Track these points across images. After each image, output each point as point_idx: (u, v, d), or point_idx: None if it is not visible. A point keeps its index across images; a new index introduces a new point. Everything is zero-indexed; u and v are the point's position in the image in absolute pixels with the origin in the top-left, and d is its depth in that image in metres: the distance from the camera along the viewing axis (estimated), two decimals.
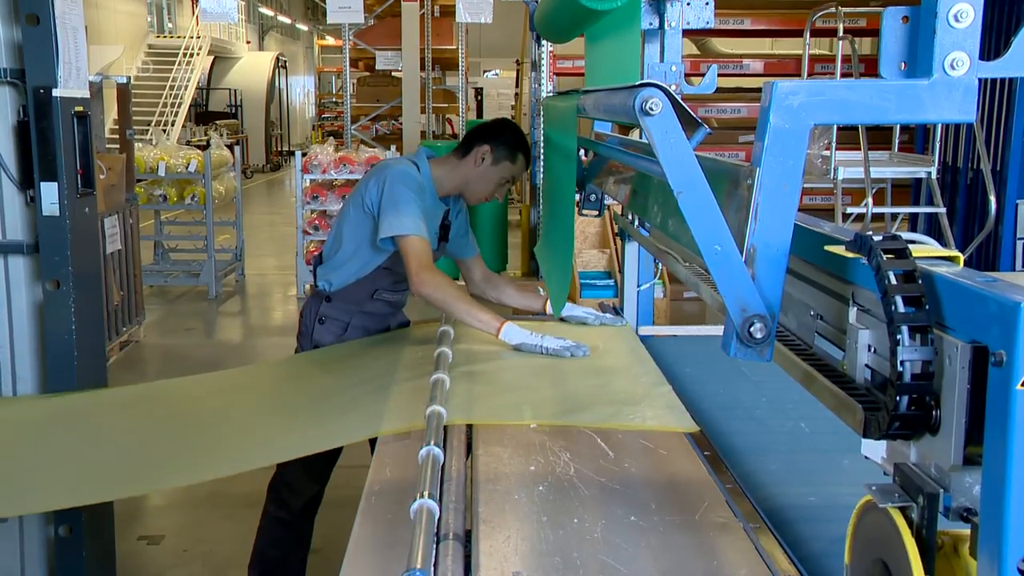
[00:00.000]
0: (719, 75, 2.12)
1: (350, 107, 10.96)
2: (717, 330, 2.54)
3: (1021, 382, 0.81)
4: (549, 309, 2.89)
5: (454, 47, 12.55)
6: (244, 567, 2.88)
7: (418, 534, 1.38)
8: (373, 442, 2.21)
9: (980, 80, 1.04)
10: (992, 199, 5.40)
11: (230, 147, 10.27)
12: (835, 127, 5.22)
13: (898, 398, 0.94)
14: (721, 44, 9.31)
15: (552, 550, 1.48)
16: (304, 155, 8.18)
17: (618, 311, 3.04)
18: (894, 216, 6.01)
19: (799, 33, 6.71)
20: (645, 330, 2.96)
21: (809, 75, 6.31)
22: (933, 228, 5.93)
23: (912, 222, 6.11)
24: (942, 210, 5.58)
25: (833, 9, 5.69)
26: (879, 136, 6.13)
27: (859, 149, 5.43)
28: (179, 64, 19.67)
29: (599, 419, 2.05)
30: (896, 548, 0.95)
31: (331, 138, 14.02)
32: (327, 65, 29.62)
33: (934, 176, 5.53)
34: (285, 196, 17.05)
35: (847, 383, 1.11)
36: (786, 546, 1.51)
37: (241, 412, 2.63)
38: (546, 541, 1.51)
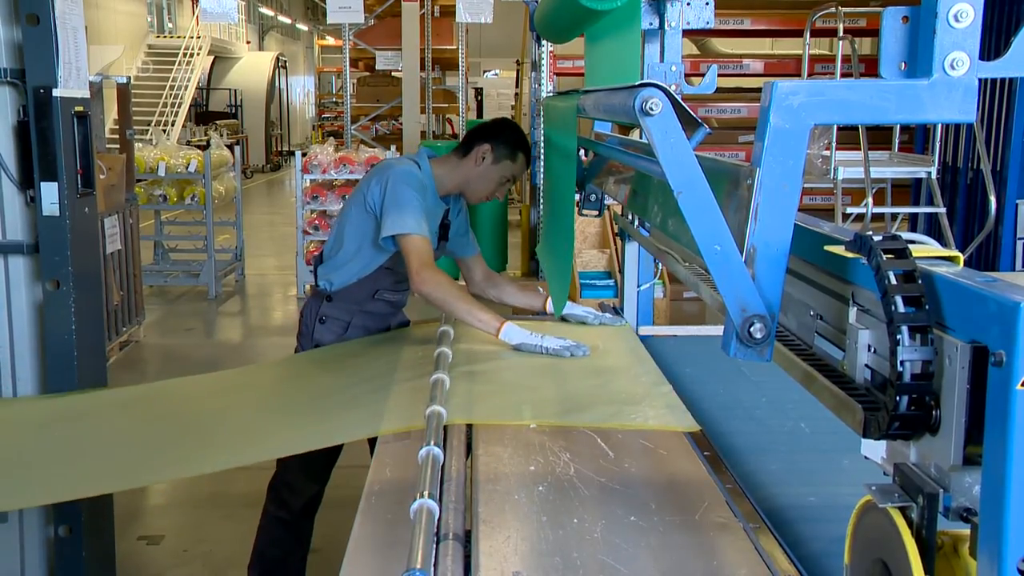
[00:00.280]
0: (719, 75, 2.12)
1: (350, 107, 10.97)
2: (717, 330, 2.54)
3: (1021, 382, 0.81)
4: (550, 308, 2.89)
5: (454, 47, 12.55)
6: (244, 567, 2.88)
7: (418, 534, 1.38)
8: (373, 442, 2.22)
9: (980, 80, 1.04)
10: (992, 199, 5.40)
11: (230, 147, 10.27)
12: (835, 127, 5.22)
13: (898, 398, 0.95)
14: (721, 44, 9.31)
15: (552, 550, 1.48)
16: (304, 155, 8.18)
17: (618, 311, 3.04)
18: (894, 216, 6.01)
19: (799, 33, 6.71)
20: (645, 330, 2.95)
21: (809, 75, 6.30)
22: (933, 228, 5.93)
23: (912, 222, 6.11)
24: (942, 210, 5.58)
25: (833, 9, 5.69)
26: (879, 136, 6.13)
27: (859, 149, 5.43)
28: (179, 64, 19.67)
29: (600, 419, 2.05)
30: (896, 548, 0.95)
31: (331, 138, 14.02)
32: (327, 65, 29.63)
33: (934, 176, 5.53)
34: (285, 196, 17.06)
35: (847, 383, 1.11)
36: (786, 546, 1.51)
37: (241, 410, 2.64)
38: (546, 541, 1.51)
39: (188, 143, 14.17)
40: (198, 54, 20.28)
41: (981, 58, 1.03)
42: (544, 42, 7.14)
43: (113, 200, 6.02)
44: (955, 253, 1.04)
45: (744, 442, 2.08)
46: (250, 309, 8.35)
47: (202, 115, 22.00)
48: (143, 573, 3.50)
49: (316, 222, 8.12)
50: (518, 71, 13.96)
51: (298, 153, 8.29)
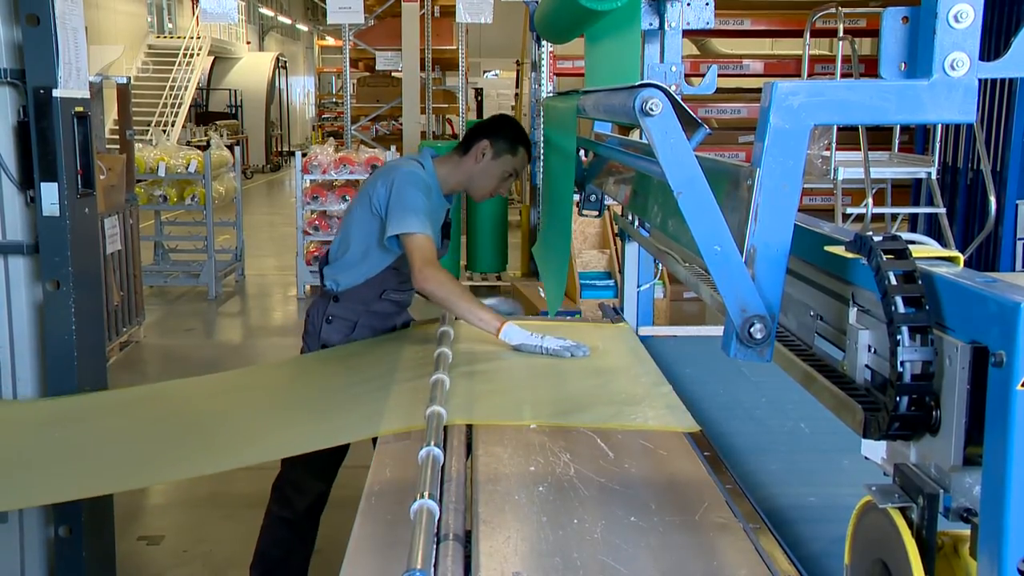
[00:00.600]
0: (719, 75, 2.12)
1: (350, 107, 10.96)
2: (717, 330, 2.53)
3: (1021, 382, 0.81)
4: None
5: (454, 47, 12.55)
6: (244, 567, 2.88)
7: (418, 534, 1.38)
8: (376, 442, 2.22)
9: (980, 80, 1.04)
10: (992, 199, 5.40)
11: (230, 147, 10.27)
12: (835, 127, 5.22)
13: (898, 398, 0.95)
14: (721, 44, 9.31)
15: (552, 550, 1.48)
16: (304, 155, 8.19)
17: (618, 311, 3.04)
18: (894, 216, 6.01)
19: (799, 34, 6.72)
20: (645, 330, 2.95)
21: (809, 75, 6.31)
22: (933, 228, 5.93)
23: (912, 222, 6.11)
24: (942, 210, 5.58)
25: (833, 10, 5.69)
26: (879, 136, 6.13)
27: (859, 149, 5.43)
28: (179, 64, 19.67)
29: (600, 419, 2.05)
30: (896, 549, 0.95)
31: (331, 138, 14.02)
32: (327, 65, 29.62)
33: (934, 176, 5.53)
34: (285, 196, 17.05)
35: (847, 383, 1.11)
36: (786, 546, 1.51)
37: (241, 410, 2.64)
38: (546, 541, 1.51)
39: (188, 143, 14.16)
40: (198, 54, 20.28)
41: (981, 58, 1.03)
42: (544, 42, 7.15)
43: (113, 200, 6.02)
44: (955, 253, 1.04)
45: (744, 442, 2.08)
46: (250, 309, 8.35)
47: (202, 115, 22.00)
48: (143, 573, 3.50)
49: (316, 222, 8.12)
50: (518, 71, 13.95)
51: (298, 153, 8.29)
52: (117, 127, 7.56)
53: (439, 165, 2.85)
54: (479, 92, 21.17)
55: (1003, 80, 5.65)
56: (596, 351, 2.56)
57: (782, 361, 1.26)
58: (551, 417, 2.07)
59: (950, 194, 6.29)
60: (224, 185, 8.79)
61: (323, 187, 8.11)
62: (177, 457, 2.34)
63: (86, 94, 2.82)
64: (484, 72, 23.93)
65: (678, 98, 1.21)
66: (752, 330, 1.13)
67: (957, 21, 1.01)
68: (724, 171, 1.26)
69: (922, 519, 0.94)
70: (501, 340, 2.53)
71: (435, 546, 1.41)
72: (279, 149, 24.77)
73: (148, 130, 16.31)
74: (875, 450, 1.07)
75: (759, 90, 1.12)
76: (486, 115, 19.06)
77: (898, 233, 1.02)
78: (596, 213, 2.86)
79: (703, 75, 2.02)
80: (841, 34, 5.63)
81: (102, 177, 5.60)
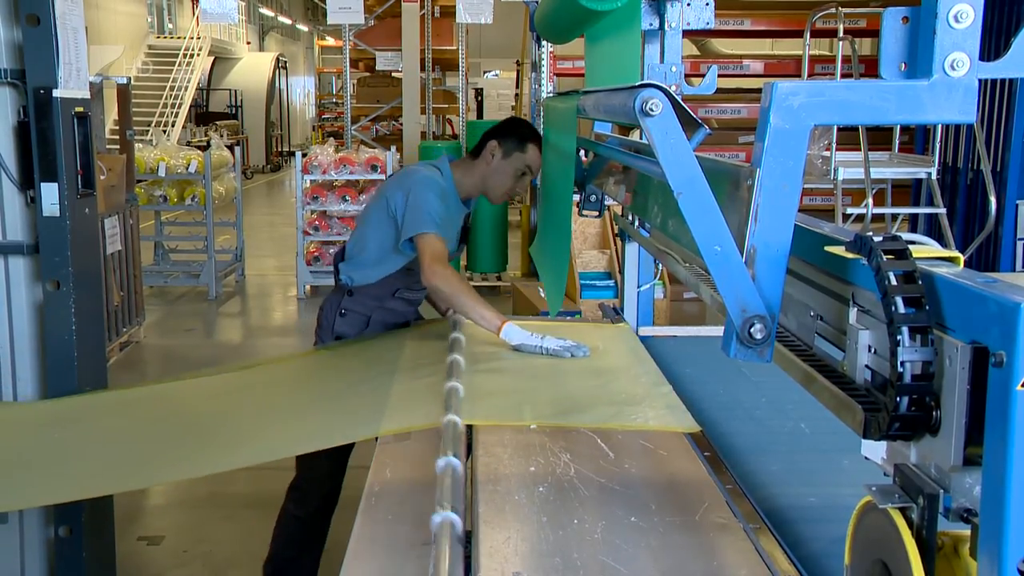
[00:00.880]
0: (719, 76, 2.12)
1: (350, 108, 10.96)
2: (717, 331, 2.53)
3: (1021, 383, 0.81)
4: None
5: (454, 48, 12.53)
6: (244, 567, 2.90)
7: (444, 547, 1.34)
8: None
9: (980, 81, 1.04)
10: (992, 200, 5.40)
11: (230, 148, 10.26)
12: (835, 128, 5.22)
13: (898, 399, 0.95)
14: (721, 45, 9.31)
15: (552, 551, 1.48)
16: (304, 156, 8.19)
17: (618, 311, 3.04)
18: (894, 217, 6.01)
19: (799, 34, 6.72)
20: (645, 330, 2.96)
21: (809, 76, 6.31)
22: (933, 229, 5.93)
23: (912, 223, 6.11)
24: (942, 211, 5.58)
25: (833, 10, 5.69)
26: (879, 137, 6.13)
27: (859, 150, 5.43)
28: (179, 65, 19.66)
29: (600, 419, 2.05)
30: (896, 549, 0.95)
31: (331, 139, 14.02)
32: (327, 66, 29.63)
33: (934, 177, 5.53)
34: (285, 197, 17.05)
35: (847, 384, 1.11)
36: (786, 547, 1.51)
37: (241, 411, 2.64)
38: (546, 542, 1.51)
39: (188, 144, 14.16)
40: (198, 55, 20.28)
41: (981, 59, 1.03)
42: (544, 43, 7.15)
43: (113, 200, 6.02)
44: (955, 254, 1.04)
45: (744, 442, 2.08)
46: (250, 310, 8.34)
47: (202, 116, 21.99)
48: (143, 573, 3.50)
49: (316, 223, 8.12)
50: (518, 72, 13.95)
51: (298, 154, 8.29)
52: (117, 127, 7.56)
53: (456, 170, 2.91)
54: (479, 92, 21.16)
55: (1003, 80, 5.65)
56: (596, 351, 2.56)
57: (782, 361, 1.26)
58: (551, 417, 2.07)
59: (950, 194, 6.29)
60: (224, 185, 8.79)
61: (323, 187, 8.11)
62: (177, 457, 2.34)
63: (86, 94, 2.82)
64: (484, 72, 23.92)
65: (678, 98, 1.21)
66: (752, 330, 1.13)
67: (957, 21, 1.01)
68: (724, 171, 1.26)
69: (922, 519, 0.94)
70: (501, 339, 2.54)
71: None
72: (279, 149, 24.77)
73: (148, 130, 16.29)
74: (875, 450, 1.07)
75: (759, 90, 1.12)
76: (486, 115, 19.11)
77: (898, 233, 1.02)
78: (596, 213, 2.86)
79: (703, 75, 2.01)
80: (841, 34, 5.63)
81: (102, 177, 5.60)
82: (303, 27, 32.64)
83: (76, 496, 2.51)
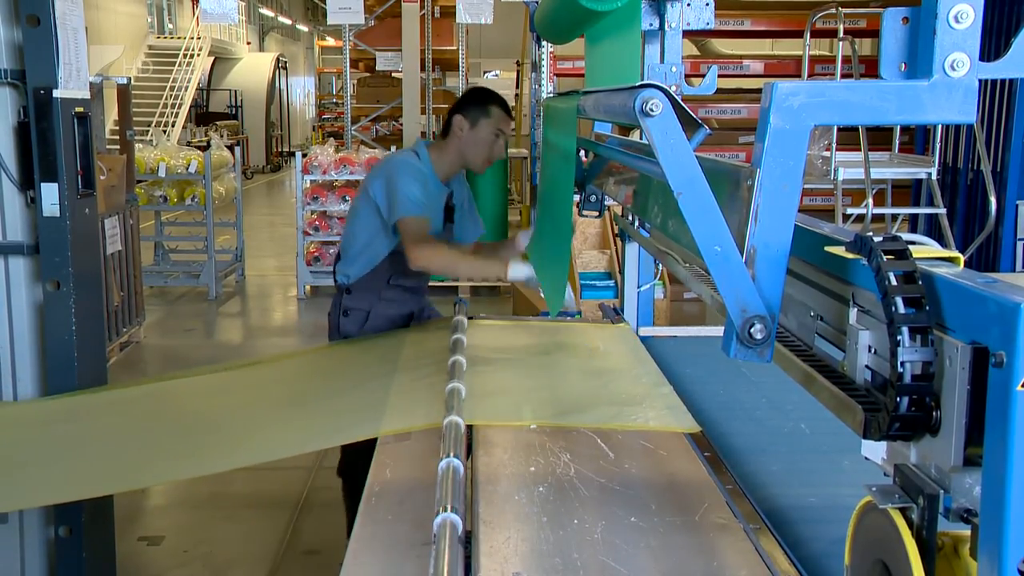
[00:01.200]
0: (719, 76, 2.12)
1: (350, 108, 10.96)
2: (717, 331, 2.54)
3: (1021, 383, 0.81)
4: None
5: (454, 48, 12.54)
6: (244, 568, 2.90)
7: (443, 548, 1.34)
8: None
9: (980, 81, 1.04)
10: (992, 200, 5.40)
11: (230, 148, 10.25)
12: (835, 128, 5.22)
13: (898, 399, 0.94)
14: (721, 45, 9.31)
15: (552, 551, 1.48)
16: (304, 156, 8.18)
17: (618, 311, 3.04)
18: (894, 217, 6.01)
19: (799, 34, 6.72)
20: (645, 331, 2.96)
21: (809, 76, 6.31)
22: (933, 229, 5.93)
23: (912, 223, 6.11)
24: (942, 211, 5.58)
25: (833, 10, 5.69)
26: (879, 137, 6.14)
27: (859, 150, 5.43)
28: (179, 65, 19.66)
29: (600, 420, 2.05)
30: (896, 549, 0.95)
31: (331, 139, 14.03)
32: (327, 66, 29.62)
33: (934, 177, 5.53)
34: (285, 197, 17.05)
35: (847, 384, 1.11)
36: (786, 547, 1.51)
37: (241, 411, 2.64)
38: (546, 542, 1.51)
39: (188, 144, 14.15)
40: (198, 55, 20.27)
41: (981, 59, 1.03)
42: (544, 43, 7.14)
43: (113, 201, 6.01)
44: (955, 254, 1.04)
45: (744, 443, 2.08)
46: (250, 310, 8.34)
47: (202, 116, 21.98)
48: (143, 574, 3.50)
49: (316, 223, 8.12)
50: (518, 72, 13.95)
51: (298, 154, 8.29)
52: (117, 127, 7.56)
53: (432, 151, 2.97)
54: None
55: (1003, 80, 5.65)
56: (596, 351, 2.56)
57: (782, 361, 1.26)
58: (551, 418, 2.07)
59: (950, 194, 6.29)
60: (224, 185, 8.79)
61: (323, 187, 8.11)
62: (176, 457, 2.34)
63: (86, 94, 2.82)
64: (484, 72, 23.91)
65: (678, 98, 1.20)
66: (752, 330, 1.13)
67: (957, 21, 1.01)
68: (724, 171, 1.26)
69: (922, 519, 0.93)
70: (511, 279, 2.60)
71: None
72: (279, 149, 24.75)
73: (148, 130, 16.28)
74: (875, 450, 1.07)
75: (759, 90, 1.12)
76: None
77: (898, 233, 1.02)
78: (596, 213, 2.86)
79: (703, 75, 2.01)
80: (841, 34, 5.63)
81: (102, 177, 5.60)
82: (303, 27, 32.63)
83: (76, 496, 2.51)
